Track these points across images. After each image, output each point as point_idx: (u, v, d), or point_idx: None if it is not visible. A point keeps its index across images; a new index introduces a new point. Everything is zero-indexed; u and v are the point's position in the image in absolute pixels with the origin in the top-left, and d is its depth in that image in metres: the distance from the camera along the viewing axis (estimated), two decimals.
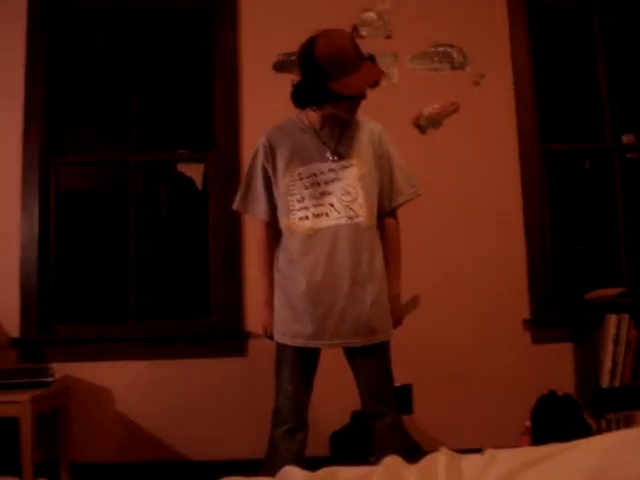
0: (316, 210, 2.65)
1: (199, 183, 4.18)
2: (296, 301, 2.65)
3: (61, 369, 3.71)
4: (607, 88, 4.34)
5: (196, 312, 4.14)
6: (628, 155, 4.43)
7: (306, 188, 2.67)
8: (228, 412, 3.83)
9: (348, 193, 2.65)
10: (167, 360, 3.88)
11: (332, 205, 2.64)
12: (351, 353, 2.69)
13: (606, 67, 4.35)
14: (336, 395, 3.38)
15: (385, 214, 2.78)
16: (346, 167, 2.67)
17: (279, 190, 2.72)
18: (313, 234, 2.64)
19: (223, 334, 3.94)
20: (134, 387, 3.86)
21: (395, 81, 4.06)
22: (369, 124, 2.79)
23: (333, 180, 2.66)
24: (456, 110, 4.07)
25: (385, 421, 2.66)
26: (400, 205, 2.81)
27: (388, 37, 4.10)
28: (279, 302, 2.73)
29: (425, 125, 4.06)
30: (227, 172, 3.97)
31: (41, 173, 4.00)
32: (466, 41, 4.12)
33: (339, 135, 2.72)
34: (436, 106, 4.05)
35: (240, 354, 3.88)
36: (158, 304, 4.27)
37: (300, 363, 2.68)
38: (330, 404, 3.47)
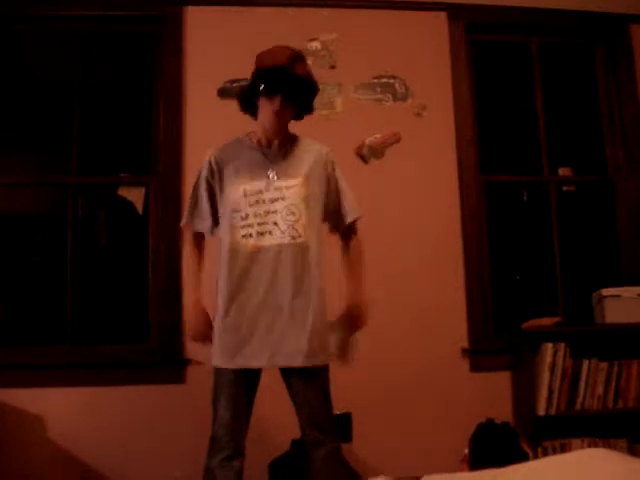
0: (260, 228, 2.64)
1: (139, 207, 4.13)
2: (236, 321, 2.62)
3: None
4: (545, 122, 4.45)
5: (134, 338, 4.04)
6: (564, 188, 4.55)
7: (251, 205, 2.66)
8: (165, 441, 3.74)
9: (292, 213, 2.65)
10: (103, 387, 3.78)
11: (276, 224, 2.64)
12: (290, 377, 2.66)
13: (544, 101, 4.47)
14: (275, 422, 3.35)
15: (344, 233, 2.85)
16: (291, 187, 2.68)
17: (224, 207, 2.71)
18: (256, 252, 2.63)
19: (161, 360, 3.85)
20: (69, 415, 3.74)
21: (338, 110, 4.11)
22: (316, 146, 2.83)
23: (278, 199, 2.66)
24: (398, 140, 4.13)
25: (323, 449, 2.63)
26: (355, 220, 2.85)
27: (332, 67, 4.15)
28: (218, 324, 2.69)
29: (367, 155, 4.09)
30: (168, 196, 3.93)
31: None
32: (408, 73, 4.20)
33: (286, 154, 2.74)
34: (378, 136, 4.10)
35: (178, 381, 3.80)
36: (95, 330, 4.18)
37: (239, 387, 2.63)
38: (269, 432, 3.43)
